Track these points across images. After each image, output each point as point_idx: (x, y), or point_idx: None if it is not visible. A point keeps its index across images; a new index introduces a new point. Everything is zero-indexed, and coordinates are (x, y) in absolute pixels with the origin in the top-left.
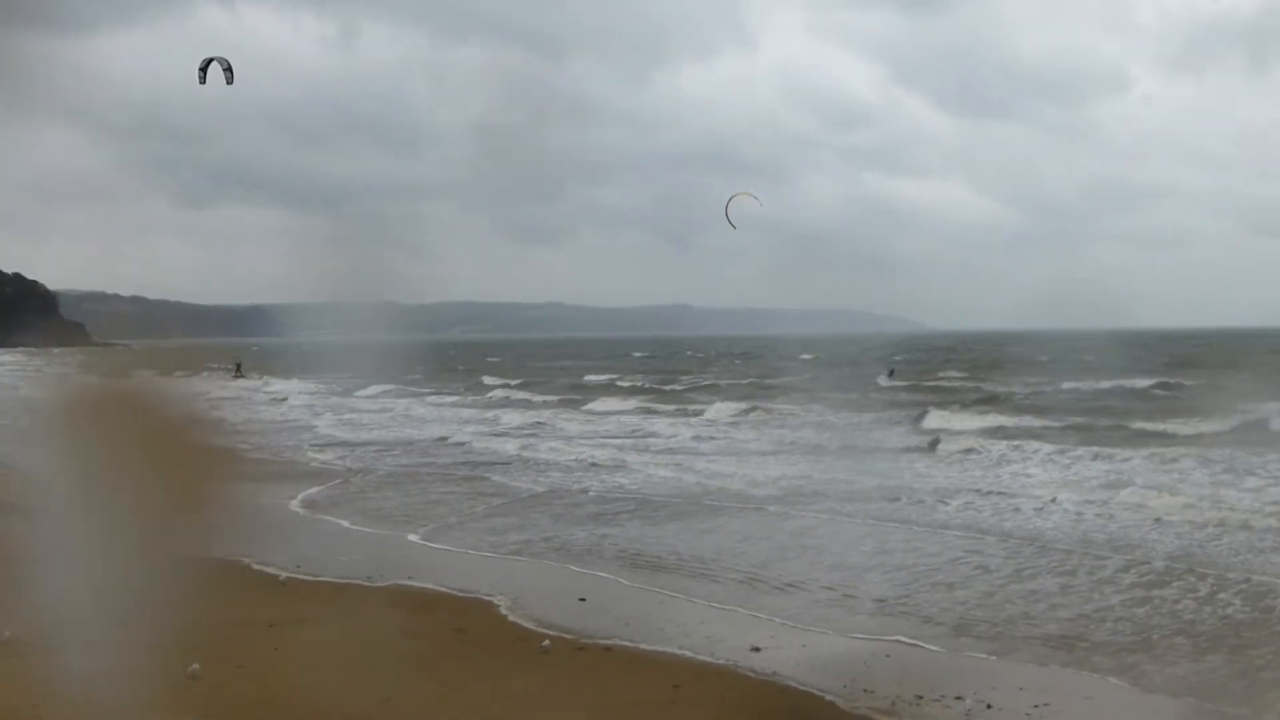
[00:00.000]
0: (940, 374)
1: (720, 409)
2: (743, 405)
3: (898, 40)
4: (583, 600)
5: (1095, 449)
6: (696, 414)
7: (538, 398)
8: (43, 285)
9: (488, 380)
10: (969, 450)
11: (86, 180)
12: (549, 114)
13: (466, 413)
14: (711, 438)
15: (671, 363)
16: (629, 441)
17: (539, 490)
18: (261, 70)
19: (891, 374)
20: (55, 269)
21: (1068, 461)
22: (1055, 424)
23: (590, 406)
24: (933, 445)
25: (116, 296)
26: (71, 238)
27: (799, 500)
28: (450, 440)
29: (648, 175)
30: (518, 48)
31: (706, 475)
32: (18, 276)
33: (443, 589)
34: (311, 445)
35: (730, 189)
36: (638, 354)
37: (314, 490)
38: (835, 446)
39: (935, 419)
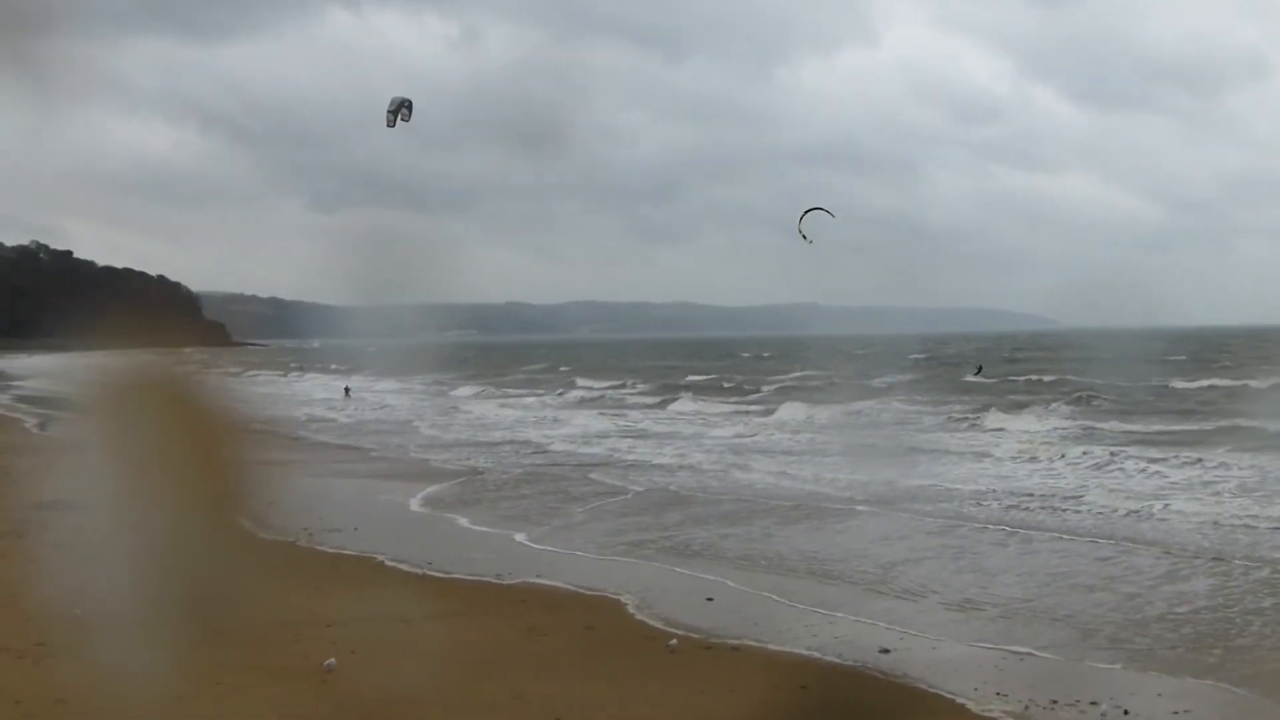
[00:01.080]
0: (1043, 371)
1: (805, 411)
2: (834, 407)
3: (1026, 31)
4: (710, 600)
5: (1208, 452)
6: (786, 414)
7: (633, 398)
8: (186, 287)
9: (582, 382)
10: (1084, 453)
11: (224, 185)
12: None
13: (560, 413)
14: (798, 438)
15: (781, 362)
16: (718, 440)
17: (639, 489)
18: (390, 73)
19: (979, 370)
20: (195, 271)
21: (1180, 464)
22: (1166, 426)
23: (679, 407)
24: (997, 446)
25: (255, 298)
26: (211, 240)
27: (911, 502)
28: (546, 440)
29: (770, 172)
30: (636, 47)
31: (807, 479)
32: (161, 279)
33: (570, 587)
34: (419, 446)
35: (855, 185)
36: (745, 354)
37: (433, 489)
38: (922, 448)
39: (996, 419)
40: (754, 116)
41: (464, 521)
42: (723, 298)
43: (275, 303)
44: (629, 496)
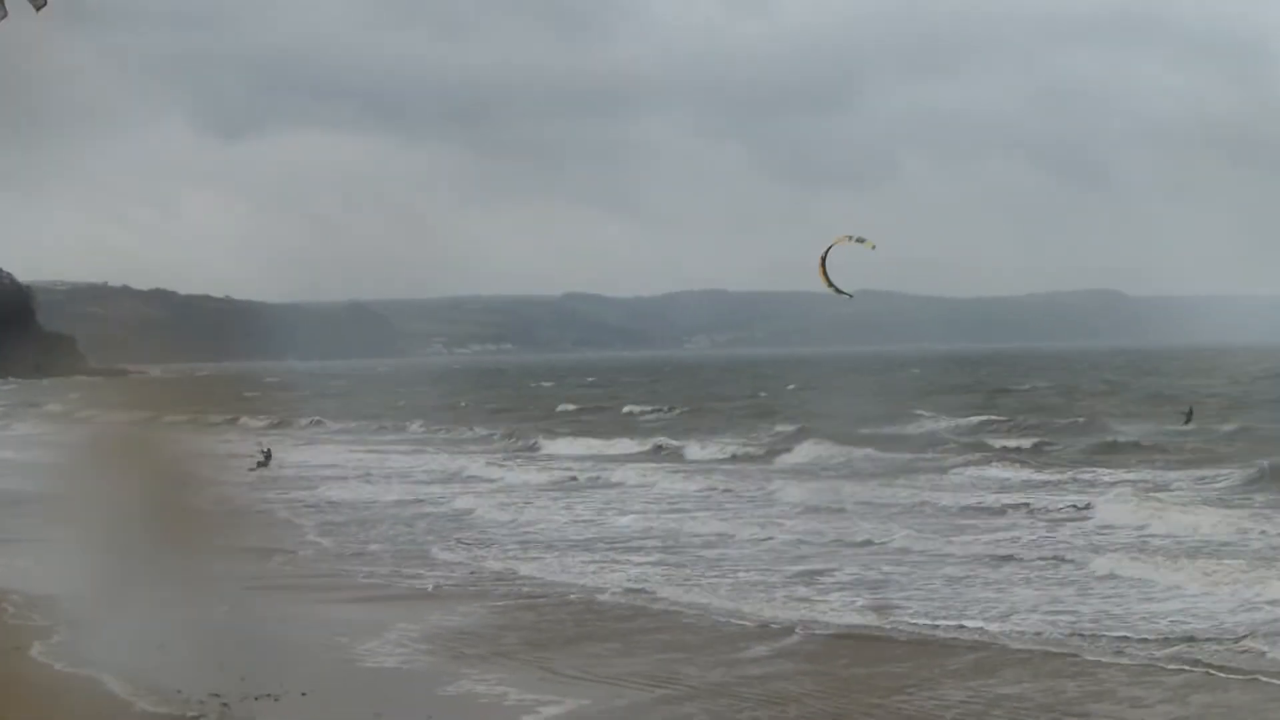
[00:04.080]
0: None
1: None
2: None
3: None
4: None
5: None
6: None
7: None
8: (8, 275)
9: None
10: None
11: (52, 99)
12: None
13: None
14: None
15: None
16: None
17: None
18: None
19: (1189, 418)
20: (24, 249)
21: None
22: None
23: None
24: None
25: (126, 291)
26: (48, 195)
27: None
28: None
29: (1018, 56)
30: None
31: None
32: None
33: None
34: (387, 546)
35: (1166, 74)
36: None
37: (427, 622)
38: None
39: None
40: None
41: (487, 684)
42: (950, 282)
43: (163, 298)
44: (794, 639)
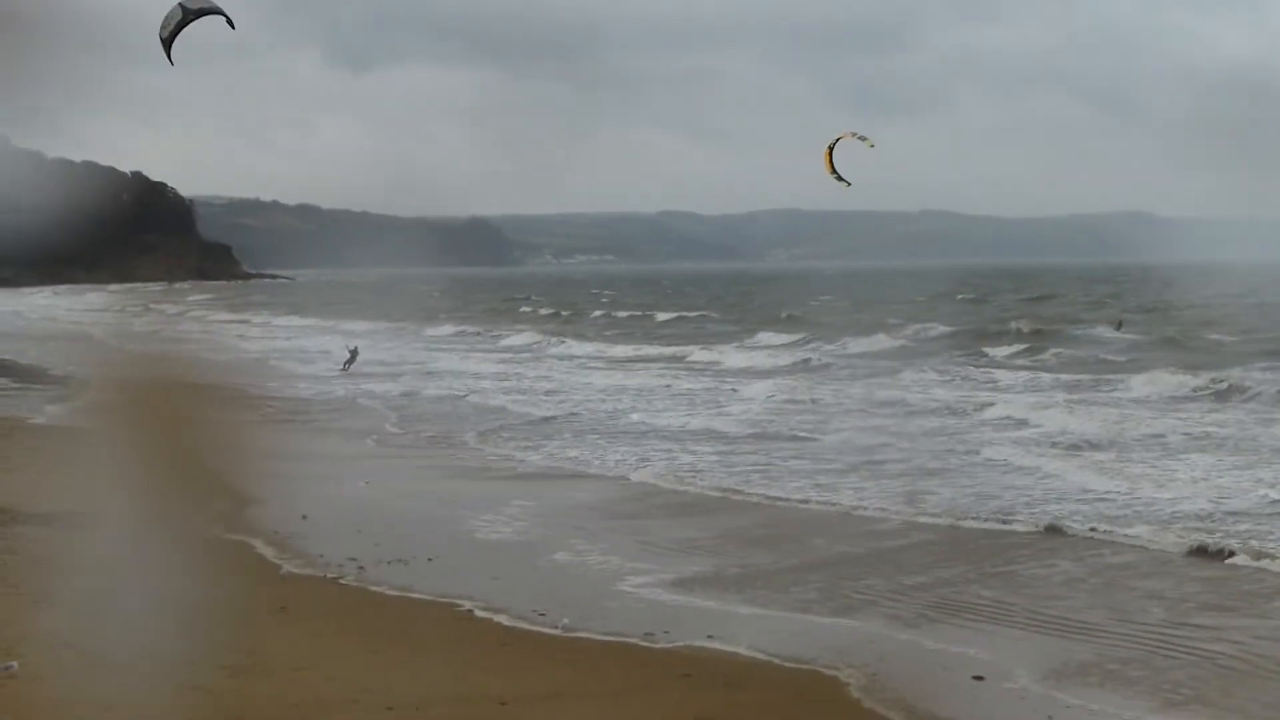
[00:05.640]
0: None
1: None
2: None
3: None
4: (979, 679)
5: None
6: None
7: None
8: (173, 189)
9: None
10: None
11: (204, 35)
12: None
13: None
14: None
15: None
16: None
17: (856, 507)
18: None
19: (1120, 325)
20: (182, 165)
21: None
22: None
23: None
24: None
25: (276, 205)
26: (201, 119)
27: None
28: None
29: (1055, 6)
30: None
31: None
32: (138, 177)
33: (760, 655)
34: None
35: (1188, 15)
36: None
37: (541, 500)
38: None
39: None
40: None
41: (593, 554)
42: (996, 203)
43: (308, 212)
44: (895, 524)
